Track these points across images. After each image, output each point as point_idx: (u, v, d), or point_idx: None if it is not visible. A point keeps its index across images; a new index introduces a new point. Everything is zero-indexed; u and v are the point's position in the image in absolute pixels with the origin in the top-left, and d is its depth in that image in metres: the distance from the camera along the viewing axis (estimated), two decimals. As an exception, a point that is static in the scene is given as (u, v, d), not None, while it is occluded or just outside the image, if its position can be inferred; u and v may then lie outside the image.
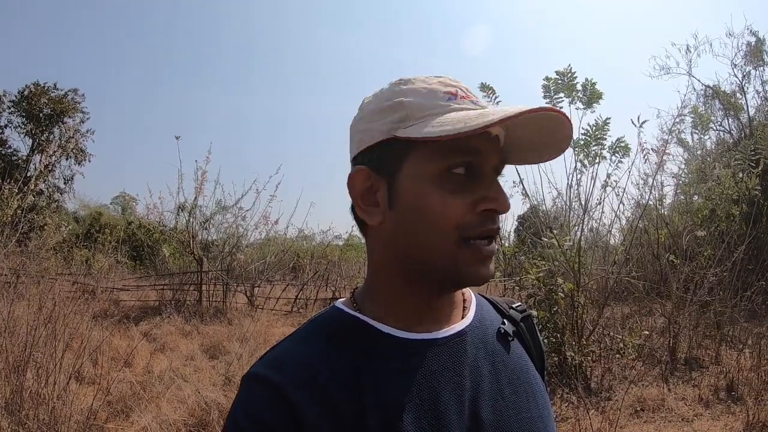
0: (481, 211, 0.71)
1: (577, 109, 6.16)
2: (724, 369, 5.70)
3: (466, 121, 0.68)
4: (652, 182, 8.40)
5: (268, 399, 0.67)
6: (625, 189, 10.59)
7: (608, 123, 6.06)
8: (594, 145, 5.99)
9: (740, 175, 9.14)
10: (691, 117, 9.80)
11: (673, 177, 12.29)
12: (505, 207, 0.72)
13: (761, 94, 13.42)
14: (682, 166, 12.87)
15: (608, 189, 6.58)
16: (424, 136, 0.69)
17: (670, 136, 9.83)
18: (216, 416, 4.41)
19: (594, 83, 6.21)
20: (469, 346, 0.78)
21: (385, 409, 0.68)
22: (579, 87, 6.15)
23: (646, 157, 8.23)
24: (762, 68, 13.25)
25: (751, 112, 13.32)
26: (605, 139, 5.98)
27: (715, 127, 13.47)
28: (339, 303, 0.82)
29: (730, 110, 13.45)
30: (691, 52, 13.55)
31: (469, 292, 0.89)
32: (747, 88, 13.46)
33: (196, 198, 11.59)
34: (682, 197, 11.60)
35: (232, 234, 12.07)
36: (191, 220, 11.56)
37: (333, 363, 0.71)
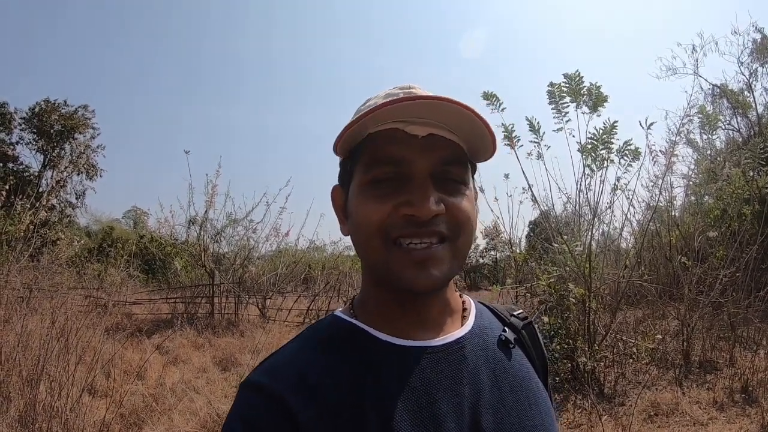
0: (402, 215, 0.71)
1: (583, 113, 6.14)
2: (739, 371, 5.62)
3: (366, 109, 0.73)
4: (662, 184, 8.35)
5: (264, 404, 0.68)
6: (634, 192, 10.51)
7: (616, 126, 6.03)
8: (601, 149, 5.96)
9: (751, 173, 9.07)
10: (699, 117, 9.72)
11: (683, 178, 12.19)
12: (422, 212, 0.70)
13: None
14: (692, 167, 12.77)
15: (618, 192, 6.55)
16: (337, 142, 0.77)
17: (678, 137, 9.77)
18: None
19: (599, 87, 6.19)
20: (468, 354, 0.78)
21: (382, 415, 0.68)
22: (584, 91, 6.14)
23: (655, 159, 8.20)
24: None
25: (760, 109, 13.17)
26: (613, 142, 5.95)
27: (723, 126, 13.33)
28: (338, 311, 0.83)
29: (738, 109, 13.32)
30: (697, 51, 13.38)
31: (469, 300, 0.89)
32: (755, 86, 13.30)
33: (206, 211, 11.66)
34: (692, 198, 11.51)
35: (243, 246, 12.12)
36: (202, 233, 11.63)
37: (329, 369, 0.72)
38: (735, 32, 13.55)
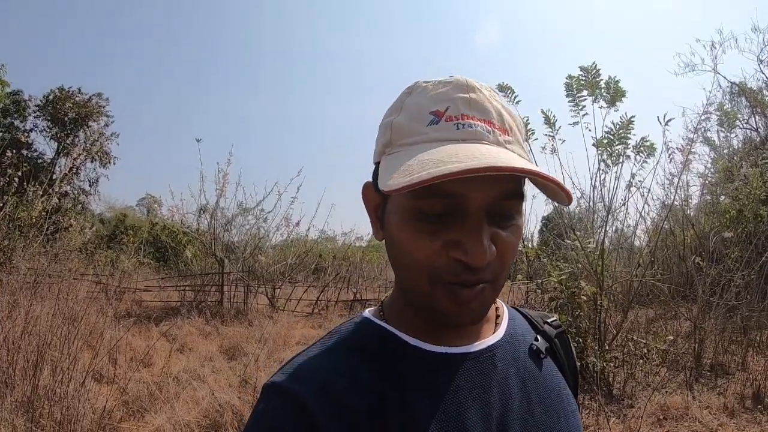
0: (452, 259, 0.64)
1: (600, 107, 6.04)
2: (751, 376, 5.52)
3: (421, 169, 0.60)
4: (678, 182, 8.23)
5: (287, 409, 0.65)
6: (650, 189, 10.38)
7: (633, 121, 5.92)
8: (617, 144, 5.85)
9: (757, 175, 8.92)
10: (717, 115, 9.55)
11: (699, 177, 12.02)
12: (475, 260, 0.62)
13: None
14: (708, 166, 12.59)
15: (633, 189, 6.43)
16: (383, 188, 0.62)
17: (695, 135, 9.61)
18: (230, 418, 4.40)
19: (617, 81, 6.09)
20: (499, 362, 0.74)
21: (408, 424, 0.65)
22: (602, 85, 6.04)
23: (671, 156, 8.07)
24: None
25: None
26: (629, 138, 5.84)
27: (741, 125, 13.15)
28: (367, 312, 0.80)
29: (756, 107, 13.11)
30: (716, 48, 13.14)
31: (502, 305, 0.85)
32: None
33: (217, 200, 11.68)
34: (708, 197, 11.37)
35: (254, 236, 12.15)
36: (213, 221, 11.64)
37: (356, 375, 0.68)
38: (755, 29, 13.32)
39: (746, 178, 9.83)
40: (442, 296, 0.66)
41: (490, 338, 0.76)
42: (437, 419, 0.66)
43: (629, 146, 5.92)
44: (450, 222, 0.64)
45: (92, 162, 25.62)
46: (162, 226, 14.78)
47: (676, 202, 8.79)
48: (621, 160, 5.97)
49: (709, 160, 13.10)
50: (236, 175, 11.84)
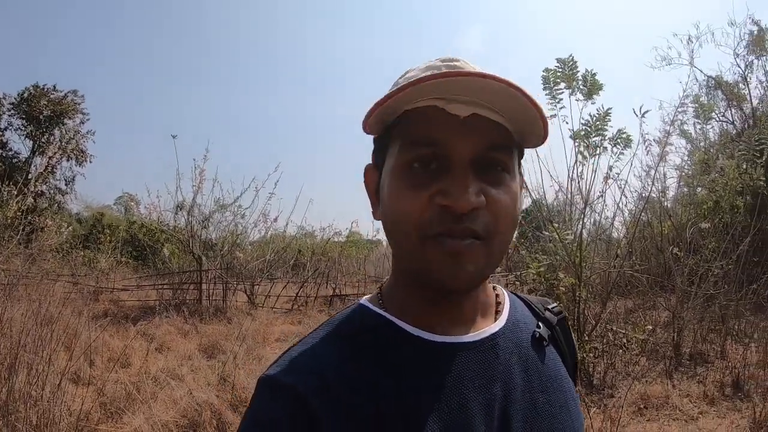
0: (438, 207, 0.63)
1: (577, 100, 6.06)
2: (730, 364, 5.60)
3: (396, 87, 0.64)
4: (655, 174, 8.31)
5: (283, 402, 0.63)
6: (627, 181, 10.51)
7: (609, 114, 5.96)
8: (594, 136, 5.89)
9: (744, 166, 9.06)
10: (693, 107, 9.67)
11: (675, 169, 12.22)
12: (459, 204, 0.62)
13: (764, 84, 13.33)
14: (685, 158, 12.78)
15: (610, 181, 6.48)
16: (364, 127, 0.68)
17: (672, 127, 9.75)
18: (208, 417, 4.35)
19: (594, 74, 6.11)
20: (500, 351, 0.73)
21: (408, 417, 0.64)
22: (579, 77, 6.06)
23: (648, 148, 8.16)
24: (765, 58, 13.12)
25: (754, 102, 13.28)
26: (606, 130, 5.88)
27: (717, 118, 13.43)
28: (365, 299, 0.78)
29: (732, 100, 13.37)
30: (692, 42, 13.35)
31: (503, 292, 0.83)
32: (750, 78, 13.38)
33: (194, 197, 11.56)
34: (685, 189, 11.54)
35: (232, 232, 12.04)
36: (190, 218, 11.52)
37: (355, 366, 0.67)
38: (732, 24, 13.69)
39: (723, 170, 9.99)
40: (432, 253, 0.64)
41: (492, 326, 0.75)
42: (438, 410, 0.65)
43: (606, 138, 5.95)
44: (437, 174, 0.64)
45: (68, 160, 25.27)
46: (139, 225, 14.60)
47: (653, 194, 8.89)
48: (598, 152, 6.00)
49: (686, 152, 13.34)
50: (213, 172, 11.73)
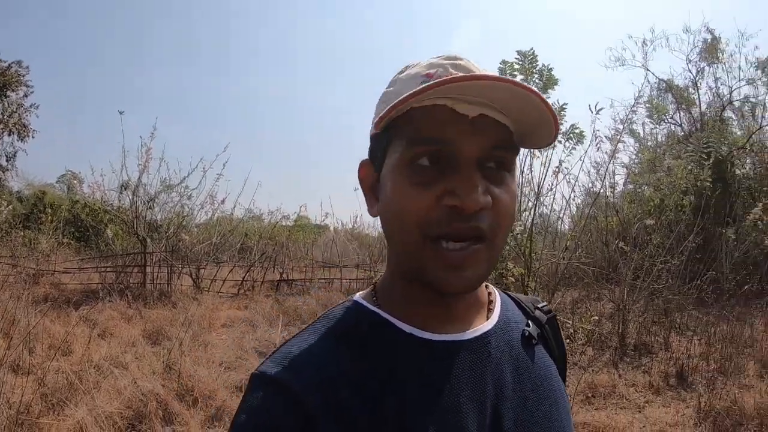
0: (445, 207, 0.64)
1: (532, 93, 6.09)
2: (674, 355, 5.76)
3: (407, 91, 0.63)
4: (606, 171, 8.47)
5: (281, 403, 0.63)
6: (577, 177, 10.72)
7: (565, 108, 6.02)
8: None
9: (690, 166, 9.34)
10: (647, 107, 9.91)
11: (623, 167, 12.52)
12: (468, 205, 0.62)
13: (713, 90, 13.87)
14: (633, 157, 13.13)
15: (560, 176, 6.56)
16: (373, 128, 0.70)
17: (623, 126, 9.97)
18: (153, 407, 4.18)
19: (551, 69, 6.15)
20: (493, 350, 0.73)
21: (403, 415, 0.64)
22: (536, 71, 6.09)
23: (599, 145, 8.29)
24: (716, 65, 13.65)
25: (703, 107, 13.84)
26: (561, 124, 5.92)
27: (666, 120, 13.88)
28: (359, 296, 0.78)
29: (682, 104, 13.81)
30: (647, 45, 13.86)
31: (494, 291, 0.83)
32: (700, 84, 13.91)
33: (140, 176, 11.12)
34: (631, 186, 11.87)
35: (178, 213, 11.67)
36: (135, 199, 11.10)
37: (350, 365, 0.67)
38: (687, 30, 14.16)
39: (669, 170, 10.29)
40: (432, 257, 0.65)
41: (485, 325, 0.75)
42: (432, 409, 0.65)
43: (559, 132, 5.99)
44: (443, 173, 0.65)
45: (9, 135, 24.19)
46: (82, 204, 14.00)
47: (601, 190, 9.06)
48: (551, 146, 6.04)
49: (634, 152, 13.78)
50: (160, 150, 11.22)
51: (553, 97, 6.07)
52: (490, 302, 0.79)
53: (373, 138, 0.74)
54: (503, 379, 0.71)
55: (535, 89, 0.62)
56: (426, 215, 0.64)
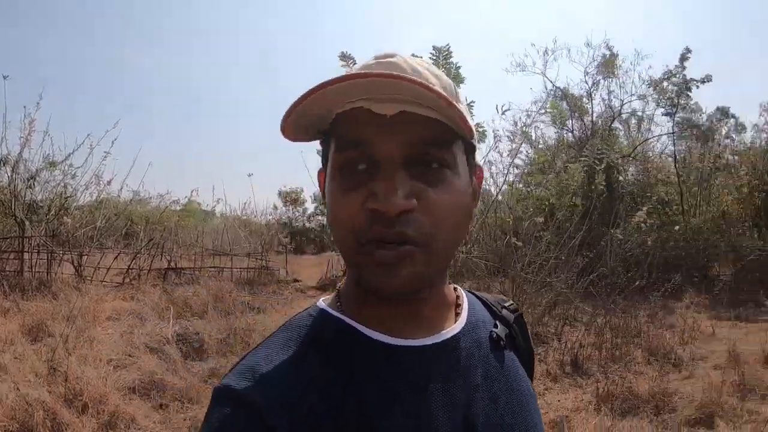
0: (368, 211, 0.61)
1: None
2: (567, 345, 6.11)
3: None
4: (507, 171, 8.80)
5: (246, 421, 0.60)
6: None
7: (472, 106, 6.18)
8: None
9: (579, 170, 9.94)
10: (550, 111, 10.40)
11: (515, 167, 13.17)
12: (387, 207, 0.59)
13: (606, 102, 14.96)
14: (525, 158, 13.85)
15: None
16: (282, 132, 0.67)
17: (521, 128, 10.46)
18: (41, 418, 3.81)
19: (459, 66, 6.30)
20: (462, 353, 0.72)
21: (370, 424, 0.62)
22: (444, 68, 6.19)
23: (497, 144, 8.64)
24: (610, 79, 14.70)
25: (595, 116, 14.87)
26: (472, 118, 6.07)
27: (557, 126, 14.95)
28: (322, 302, 0.75)
29: (575, 112, 14.79)
30: (548, 54, 14.72)
31: (462, 292, 0.81)
32: (594, 95, 14.91)
33: (21, 150, 10.20)
34: (520, 186, 12.51)
35: (60, 194, 10.84)
36: (14, 176, 10.18)
37: (318, 371, 0.65)
38: (588, 45, 15.10)
39: (566, 171, 10.91)
40: (364, 261, 0.63)
41: (453, 328, 0.73)
42: (400, 416, 0.64)
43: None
44: (370, 176, 0.62)
45: None
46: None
47: (493, 188, 9.42)
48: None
49: (527, 154, 14.74)
50: (45, 123, 10.35)
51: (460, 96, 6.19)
52: (458, 305, 0.77)
53: (321, 145, 0.72)
54: (474, 382, 0.70)
55: (425, 83, 0.58)
56: (354, 222, 0.62)
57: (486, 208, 8.96)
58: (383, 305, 0.68)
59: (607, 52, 14.51)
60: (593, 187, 9.14)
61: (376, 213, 0.60)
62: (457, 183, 0.65)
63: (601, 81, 14.69)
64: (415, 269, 0.62)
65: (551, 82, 14.88)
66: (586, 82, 14.75)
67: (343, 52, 6.15)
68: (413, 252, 0.61)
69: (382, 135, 0.61)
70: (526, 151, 14.65)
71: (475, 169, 0.73)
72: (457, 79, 6.28)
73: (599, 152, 9.21)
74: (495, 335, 0.77)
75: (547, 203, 10.68)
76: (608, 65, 14.37)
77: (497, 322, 0.79)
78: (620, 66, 14.46)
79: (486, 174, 10.18)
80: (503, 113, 6.50)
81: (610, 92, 14.75)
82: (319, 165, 0.74)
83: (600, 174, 9.03)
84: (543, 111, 11.70)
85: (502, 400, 0.72)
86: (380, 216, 0.60)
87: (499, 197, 10.38)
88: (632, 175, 12.91)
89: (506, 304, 0.85)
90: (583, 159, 9.77)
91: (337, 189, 0.64)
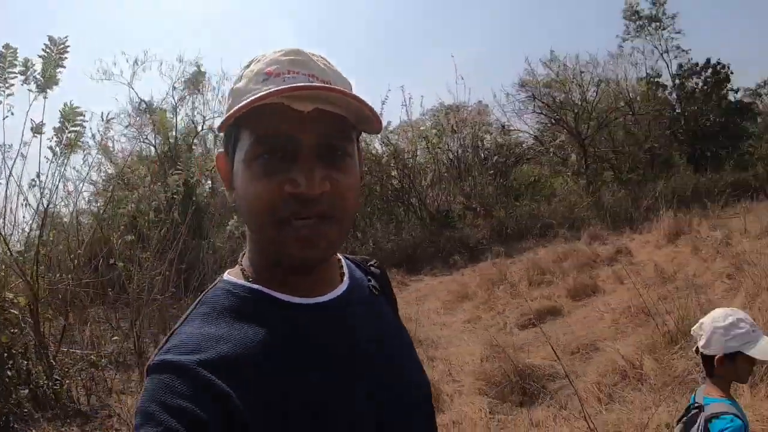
0: (288, 194, 0.71)
1: (30, 90, 5.28)
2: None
3: (244, 99, 0.71)
4: (84, 184, 8.02)
5: (187, 384, 0.64)
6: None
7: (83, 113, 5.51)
8: (71, 130, 5.35)
9: (178, 182, 9.79)
10: (153, 120, 9.91)
11: (91, 183, 12.00)
12: (307, 191, 0.70)
13: (190, 117, 15.10)
14: (110, 171, 12.80)
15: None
16: (217, 129, 0.74)
17: (101, 140, 9.65)
18: None
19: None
20: (355, 306, 0.84)
21: (293, 373, 0.71)
22: (34, 66, 5.30)
23: (86, 154, 7.82)
24: (196, 96, 14.96)
25: (178, 131, 14.66)
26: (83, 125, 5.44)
27: (141, 139, 14.49)
28: (227, 275, 0.82)
29: (156, 125, 14.32)
30: (137, 64, 13.86)
31: (339, 255, 0.91)
32: (179, 110, 14.80)
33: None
34: (97, 202, 11.54)
35: None
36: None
37: (243, 340, 0.71)
38: (180, 60, 15.15)
39: (144, 186, 10.46)
40: (286, 236, 0.71)
41: (343, 285, 0.85)
42: (310, 365, 0.72)
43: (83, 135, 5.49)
44: (286, 164, 0.71)
45: None
46: None
47: (60, 208, 8.53)
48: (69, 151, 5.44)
49: (100, 166, 13.39)
50: None
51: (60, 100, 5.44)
52: (341, 267, 0.89)
53: (225, 132, 0.78)
54: (368, 327, 0.83)
55: (352, 93, 0.72)
56: (273, 202, 0.70)
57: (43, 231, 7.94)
58: (290, 272, 0.77)
59: (196, 69, 14.74)
60: (180, 202, 9.14)
61: (297, 196, 0.70)
62: (354, 167, 0.77)
63: (187, 96, 14.85)
64: (330, 240, 0.73)
65: (136, 93, 14.43)
66: (173, 97, 14.69)
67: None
68: (328, 223, 0.72)
69: (300, 128, 0.71)
70: (100, 165, 13.31)
71: (360, 153, 0.85)
72: (51, 79, 5.45)
73: (186, 167, 9.30)
74: (371, 287, 0.92)
75: (125, 220, 10.13)
76: (194, 82, 14.64)
77: (370, 278, 0.94)
78: (206, 84, 14.92)
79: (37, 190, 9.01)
80: (107, 121, 5.97)
81: (194, 108, 15.04)
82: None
83: (183, 188, 9.15)
84: (128, 124, 11.04)
85: (388, 335, 0.87)
86: (300, 198, 0.70)
87: (79, 218, 9.34)
88: (208, 189, 13.34)
89: (371, 263, 1.01)
90: (175, 173, 9.66)
91: (253, 174, 0.72)
